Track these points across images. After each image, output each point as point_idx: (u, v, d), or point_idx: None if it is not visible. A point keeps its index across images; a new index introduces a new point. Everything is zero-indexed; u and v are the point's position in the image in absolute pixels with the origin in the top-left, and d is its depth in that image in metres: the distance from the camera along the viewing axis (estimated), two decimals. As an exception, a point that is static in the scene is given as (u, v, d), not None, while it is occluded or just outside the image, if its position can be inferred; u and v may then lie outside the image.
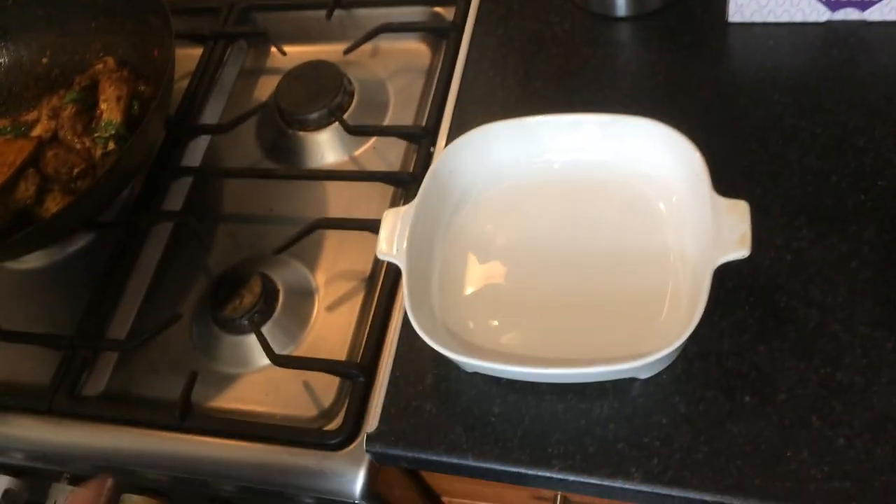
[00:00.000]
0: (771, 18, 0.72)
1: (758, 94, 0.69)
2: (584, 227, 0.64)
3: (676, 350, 0.55)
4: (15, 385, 0.75)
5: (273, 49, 0.91)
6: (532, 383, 0.60)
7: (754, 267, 0.60)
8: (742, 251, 0.54)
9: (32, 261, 0.83)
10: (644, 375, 0.58)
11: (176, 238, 0.82)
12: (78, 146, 0.80)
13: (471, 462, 0.58)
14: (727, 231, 0.55)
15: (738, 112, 0.68)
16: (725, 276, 0.60)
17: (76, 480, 0.71)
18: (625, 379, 0.58)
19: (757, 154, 0.66)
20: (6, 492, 0.75)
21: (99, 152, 0.80)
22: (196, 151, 0.87)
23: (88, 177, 0.79)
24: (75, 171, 0.78)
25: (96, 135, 0.81)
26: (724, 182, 0.59)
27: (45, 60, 0.90)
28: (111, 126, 0.80)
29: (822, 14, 0.70)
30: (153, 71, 0.84)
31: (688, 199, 0.61)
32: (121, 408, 0.71)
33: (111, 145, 0.80)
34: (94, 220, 0.80)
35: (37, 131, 0.82)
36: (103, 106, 0.82)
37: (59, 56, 0.90)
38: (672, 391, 0.57)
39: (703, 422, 0.56)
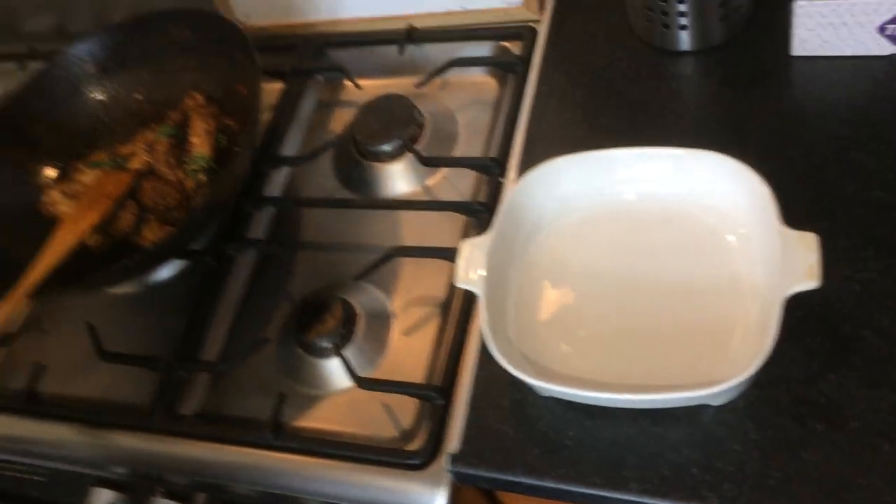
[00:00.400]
0: (835, 52, 0.73)
1: (822, 127, 0.71)
2: (654, 257, 0.67)
3: (748, 379, 0.57)
4: (117, 404, 0.81)
5: (348, 83, 0.96)
6: (606, 408, 0.63)
7: (823, 297, 0.62)
8: (811, 282, 0.56)
9: (129, 286, 0.89)
10: (716, 402, 0.61)
11: (261, 265, 0.87)
12: (172, 178, 0.86)
13: (548, 484, 0.61)
14: (796, 262, 0.57)
15: (802, 145, 0.70)
16: (795, 306, 0.61)
17: (173, 495, 0.76)
18: (697, 405, 0.61)
19: (822, 186, 0.68)
20: (108, 505, 0.80)
21: (191, 184, 0.85)
22: (277, 182, 0.92)
23: (182, 207, 0.84)
24: (171, 201, 0.83)
25: (188, 167, 0.86)
26: (791, 214, 0.61)
27: (139, 96, 0.96)
28: (202, 159, 0.86)
29: (885, 48, 0.72)
30: (239, 106, 0.90)
31: (756, 230, 0.63)
32: (215, 426, 0.76)
33: (202, 177, 0.85)
34: (187, 249, 0.85)
35: (133, 164, 0.88)
36: (194, 140, 0.87)
37: (153, 92, 0.96)
38: (744, 417, 0.60)
39: (775, 448, 0.58)
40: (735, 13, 0.77)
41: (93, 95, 0.96)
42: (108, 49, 0.95)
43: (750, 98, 0.75)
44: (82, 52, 0.95)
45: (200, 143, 0.87)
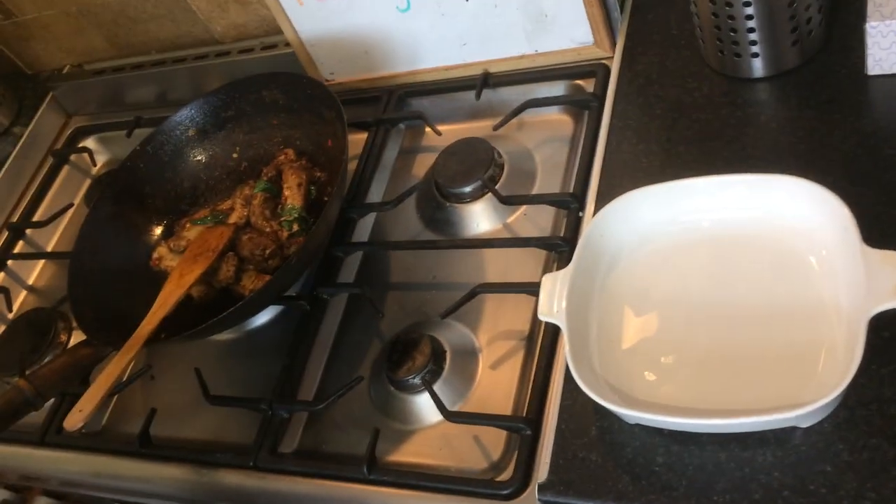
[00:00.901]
0: (912, 69, 0.73)
1: (903, 144, 0.70)
2: (736, 282, 0.67)
3: (837, 399, 0.56)
4: (223, 444, 0.85)
5: (428, 129, 1.00)
6: (693, 433, 0.63)
7: (911, 315, 0.61)
8: (896, 301, 0.55)
9: (230, 332, 0.94)
10: (805, 424, 0.60)
11: (351, 306, 0.91)
12: (268, 230, 0.91)
13: (639, 510, 0.62)
14: (880, 282, 0.57)
15: (883, 163, 0.70)
16: (881, 326, 0.61)
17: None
18: (786, 428, 0.61)
19: (906, 204, 0.67)
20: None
21: (285, 234, 0.91)
22: (364, 227, 0.97)
23: (277, 256, 0.89)
24: (267, 252, 0.89)
25: (282, 219, 0.92)
26: (874, 233, 0.61)
27: (235, 155, 1.03)
28: (294, 210, 0.91)
29: (965, 61, 0.71)
30: (327, 159, 0.95)
31: (838, 251, 0.63)
32: (314, 462, 0.79)
33: (295, 227, 0.90)
34: (283, 294, 0.90)
35: (232, 218, 0.94)
36: (287, 193, 0.93)
37: (247, 150, 1.03)
38: (835, 439, 0.59)
39: (869, 469, 0.57)
40: (807, 37, 0.77)
41: (194, 157, 1.04)
42: (206, 114, 1.02)
43: (827, 120, 0.75)
44: (184, 117, 1.03)
45: (293, 196, 0.92)
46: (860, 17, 0.72)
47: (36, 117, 1.30)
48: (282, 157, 0.96)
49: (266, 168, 0.97)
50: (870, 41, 0.72)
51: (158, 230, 1.01)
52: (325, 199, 0.93)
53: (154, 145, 1.01)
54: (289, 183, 0.93)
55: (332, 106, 0.91)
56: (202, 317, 0.80)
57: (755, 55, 0.78)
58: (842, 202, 0.62)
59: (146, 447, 0.86)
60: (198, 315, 0.86)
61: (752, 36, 0.76)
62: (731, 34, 0.77)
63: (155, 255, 0.96)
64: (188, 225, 0.96)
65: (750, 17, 0.75)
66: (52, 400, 0.93)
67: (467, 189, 0.91)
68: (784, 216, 0.66)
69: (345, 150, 0.87)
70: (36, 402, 0.73)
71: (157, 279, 0.92)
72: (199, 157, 1.03)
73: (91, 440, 0.92)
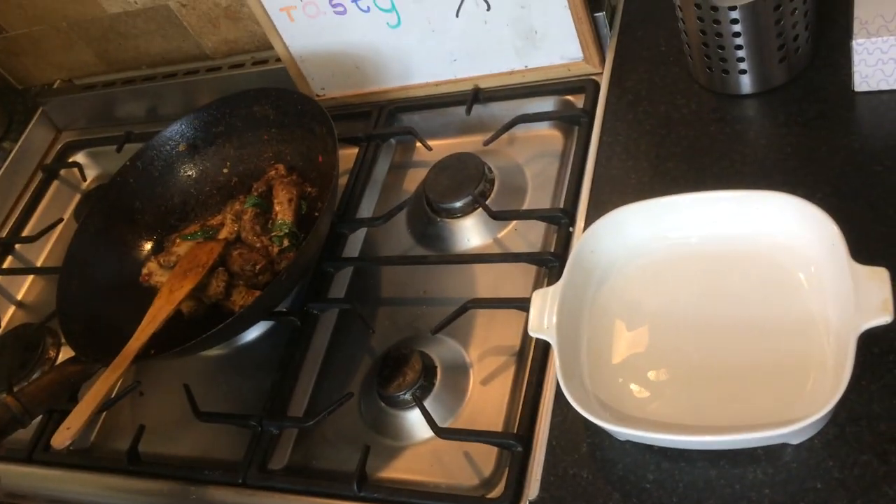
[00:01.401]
0: (898, 86, 0.74)
1: (891, 161, 0.70)
2: (724, 299, 0.68)
3: (826, 415, 0.57)
4: (212, 461, 0.85)
5: (419, 144, 1.00)
6: (684, 450, 0.63)
7: (900, 331, 0.61)
8: (885, 317, 0.56)
9: (220, 348, 0.94)
10: (795, 441, 0.60)
11: (342, 322, 0.91)
12: (258, 245, 0.91)
13: (629, 527, 0.62)
14: (868, 298, 0.57)
15: (871, 179, 0.70)
16: (871, 342, 0.61)
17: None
18: (776, 445, 0.61)
19: (894, 219, 0.67)
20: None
21: (276, 249, 0.90)
22: (355, 242, 0.97)
23: (268, 272, 0.89)
24: (257, 267, 0.88)
25: (272, 234, 0.91)
26: (862, 249, 0.61)
27: (225, 170, 1.03)
28: (285, 225, 0.91)
29: (951, 78, 0.72)
30: (318, 174, 0.95)
31: (827, 267, 0.63)
32: (304, 480, 0.79)
33: (286, 242, 0.90)
34: (273, 310, 0.89)
35: (222, 234, 0.94)
36: (277, 208, 0.92)
37: (237, 166, 1.03)
38: (825, 456, 0.59)
39: (859, 486, 0.57)
40: (794, 54, 0.78)
41: (184, 172, 1.03)
42: (196, 129, 1.02)
43: (815, 136, 0.76)
44: (174, 133, 1.02)
45: (283, 211, 0.92)
46: (847, 34, 0.73)
47: (26, 132, 1.30)
48: (272, 173, 0.96)
49: (256, 183, 0.97)
50: (856, 58, 0.73)
51: (148, 245, 1.01)
52: (316, 214, 0.93)
53: (144, 161, 1.01)
54: (279, 198, 0.93)
55: (322, 121, 0.91)
56: (192, 332, 0.79)
57: (743, 72, 0.79)
58: (829, 218, 0.62)
59: (135, 464, 0.86)
60: (187, 331, 0.86)
61: (740, 53, 0.77)
62: (719, 51, 0.78)
63: (145, 270, 0.95)
64: (178, 240, 0.96)
65: (737, 35, 0.75)
66: (40, 417, 0.93)
67: (458, 204, 0.91)
68: (772, 232, 0.67)
69: (335, 165, 0.87)
70: (23, 419, 0.72)
71: (147, 295, 0.91)
72: (189, 173, 1.03)
73: (79, 457, 0.91)
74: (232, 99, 1.01)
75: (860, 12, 0.72)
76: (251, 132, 1.01)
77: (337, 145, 0.88)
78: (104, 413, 0.94)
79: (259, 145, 1.01)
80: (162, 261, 0.94)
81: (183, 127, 1.02)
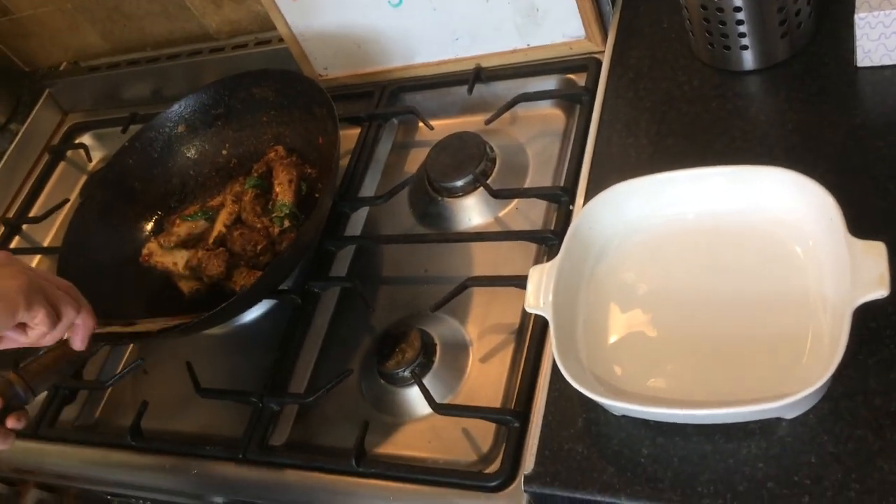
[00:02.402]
0: (901, 60, 0.73)
1: (892, 136, 0.70)
2: (722, 274, 0.67)
3: (820, 389, 0.56)
4: (213, 437, 0.85)
5: (420, 124, 1.00)
6: (679, 424, 0.63)
7: (897, 306, 0.61)
8: (881, 291, 0.55)
9: (222, 327, 0.94)
10: (790, 415, 0.60)
11: (343, 300, 0.91)
12: (258, 226, 0.91)
13: (623, 501, 0.61)
14: (865, 272, 0.56)
15: (873, 154, 0.70)
16: (868, 316, 0.61)
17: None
18: (771, 419, 0.60)
19: (894, 195, 0.67)
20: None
21: (276, 230, 0.91)
22: (357, 221, 0.97)
23: (269, 252, 0.90)
24: (258, 247, 0.89)
25: (273, 215, 0.92)
26: (862, 224, 0.61)
27: (224, 152, 1.03)
28: (285, 206, 0.91)
29: (954, 52, 0.71)
30: (318, 155, 0.95)
31: (824, 242, 0.62)
32: (304, 455, 0.80)
33: (286, 223, 0.91)
34: (275, 289, 0.90)
35: (222, 215, 0.94)
36: (277, 189, 0.93)
37: (237, 147, 1.03)
38: (819, 430, 0.59)
39: (853, 460, 0.57)
40: (796, 29, 0.77)
41: (184, 153, 1.04)
42: (196, 110, 1.02)
43: (817, 112, 0.75)
44: (173, 114, 1.03)
45: (283, 192, 0.92)
46: (849, 8, 0.72)
47: (32, 114, 1.31)
48: (272, 154, 0.97)
49: (256, 165, 0.97)
50: (859, 32, 0.72)
51: (149, 226, 1.01)
52: (316, 195, 0.93)
53: (143, 141, 1.01)
54: (279, 179, 0.93)
55: (323, 103, 0.91)
56: (193, 312, 0.80)
57: (744, 48, 0.78)
58: (827, 192, 0.61)
59: (137, 440, 0.87)
60: (189, 310, 0.87)
61: (741, 28, 0.76)
62: (721, 27, 0.77)
63: (145, 250, 0.96)
64: (178, 221, 0.96)
65: (738, 10, 0.75)
66: (45, 393, 0.94)
67: (459, 183, 0.91)
68: (770, 207, 0.66)
69: (336, 146, 0.87)
70: (26, 396, 0.73)
71: (147, 275, 0.92)
72: (188, 154, 1.04)
73: (84, 433, 0.93)
74: (231, 80, 1.01)
75: (863, -14, 0.72)
76: (251, 114, 1.01)
77: (338, 127, 0.89)
78: (109, 389, 0.95)
79: (259, 127, 1.01)
80: (162, 241, 0.95)
81: (182, 108, 1.02)
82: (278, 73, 0.99)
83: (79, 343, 0.71)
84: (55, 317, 0.68)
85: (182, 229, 0.94)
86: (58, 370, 0.77)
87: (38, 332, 0.68)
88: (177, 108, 1.02)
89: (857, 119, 0.72)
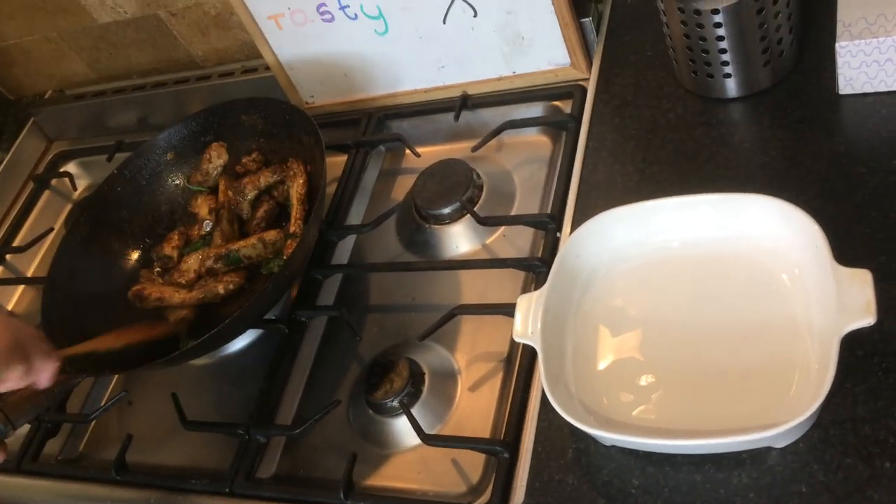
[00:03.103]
0: (882, 88, 0.73)
1: (875, 163, 0.70)
2: (709, 302, 0.67)
3: (810, 418, 0.56)
4: (199, 470, 0.84)
5: (407, 151, 1.00)
6: (669, 454, 0.63)
7: (884, 333, 0.61)
8: (867, 319, 0.55)
9: (208, 357, 0.94)
10: (780, 444, 0.60)
11: (330, 329, 0.90)
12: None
13: (615, 533, 0.61)
14: (851, 299, 0.57)
15: (856, 181, 0.70)
16: (855, 344, 0.61)
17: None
18: (761, 448, 0.60)
19: (878, 221, 0.67)
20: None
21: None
22: (344, 250, 0.96)
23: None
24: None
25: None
26: (847, 251, 0.61)
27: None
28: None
29: (934, 80, 0.72)
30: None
31: (810, 269, 0.63)
32: (291, 488, 0.79)
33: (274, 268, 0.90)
34: (261, 318, 0.89)
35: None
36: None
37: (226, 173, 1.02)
38: (810, 459, 0.59)
39: (843, 489, 0.56)
40: (778, 57, 0.78)
41: (172, 181, 1.03)
42: (184, 138, 1.02)
43: (800, 139, 0.75)
44: (161, 142, 1.02)
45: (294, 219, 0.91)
46: (830, 37, 0.73)
47: (17, 142, 1.30)
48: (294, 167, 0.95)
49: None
50: (840, 61, 0.73)
51: (135, 255, 1.00)
52: (294, 234, 0.91)
53: (131, 169, 1.01)
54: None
55: (310, 131, 0.91)
56: (178, 341, 0.79)
57: (727, 76, 0.79)
58: (812, 220, 0.62)
59: (122, 474, 0.85)
60: (175, 339, 0.86)
61: (724, 57, 0.77)
62: (704, 55, 0.78)
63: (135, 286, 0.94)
64: (185, 258, 0.95)
65: (721, 38, 0.75)
66: (28, 427, 0.93)
67: (446, 211, 0.91)
68: (756, 235, 0.67)
69: (323, 175, 0.87)
70: (6, 429, 0.72)
71: (133, 305, 0.91)
72: (177, 182, 1.03)
73: (67, 467, 0.91)
74: (220, 108, 1.01)
75: (843, 15, 0.72)
76: (239, 141, 1.01)
77: (324, 155, 0.88)
78: (93, 423, 0.94)
79: (248, 155, 1.00)
80: (178, 279, 0.93)
81: (171, 136, 1.02)
82: (266, 101, 0.99)
83: (44, 382, 0.72)
84: (29, 370, 0.69)
85: (192, 264, 0.93)
86: (38, 403, 0.76)
87: (9, 385, 0.69)
88: (165, 136, 1.02)
89: (840, 146, 0.73)
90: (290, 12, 0.99)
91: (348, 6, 0.96)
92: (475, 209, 0.90)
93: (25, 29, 1.23)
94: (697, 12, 0.74)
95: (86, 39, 1.22)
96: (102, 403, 0.93)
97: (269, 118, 0.98)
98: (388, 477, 0.77)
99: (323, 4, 0.97)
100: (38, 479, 0.90)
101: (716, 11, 0.73)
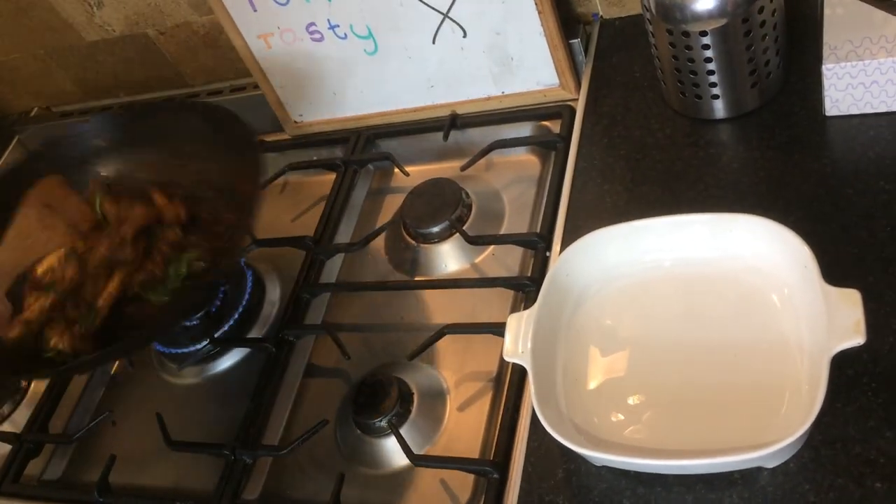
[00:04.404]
0: (868, 110, 0.74)
1: (862, 184, 0.71)
2: (699, 322, 0.67)
3: (800, 438, 0.56)
4: (184, 491, 0.83)
5: (396, 170, 1.00)
6: (660, 475, 0.62)
7: (874, 353, 0.61)
8: (857, 339, 0.56)
9: (193, 376, 0.93)
10: (771, 465, 0.60)
11: (318, 349, 0.90)
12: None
13: (606, 554, 0.61)
14: (841, 319, 0.57)
15: (843, 202, 0.71)
16: (845, 364, 0.61)
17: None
18: (752, 469, 0.60)
19: (866, 241, 0.67)
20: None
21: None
22: (332, 268, 0.96)
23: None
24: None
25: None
26: (835, 271, 0.61)
27: (142, 176, 0.94)
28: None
29: (919, 102, 0.72)
30: (238, 201, 0.86)
31: (799, 289, 0.63)
32: (277, 510, 0.78)
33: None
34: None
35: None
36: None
37: (159, 174, 0.94)
38: (800, 480, 0.58)
39: (835, 509, 0.56)
40: (766, 79, 0.79)
41: (98, 170, 0.96)
42: (121, 127, 0.96)
43: (787, 160, 0.76)
44: (96, 125, 0.96)
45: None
46: (817, 59, 0.73)
47: (1, 160, 1.29)
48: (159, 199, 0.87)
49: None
50: (826, 83, 0.74)
51: None
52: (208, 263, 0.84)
53: (60, 148, 0.94)
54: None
55: (253, 151, 0.86)
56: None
57: (715, 97, 0.79)
58: (801, 240, 0.62)
59: (105, 495, 0.84)
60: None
61: (712, 78, 0.78)
62: (692, 76, 0.79)
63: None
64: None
65: (709, 60, 0.76)
66: (9, 447, 0.91)
67: (435, 229, 0.91)
68: (745, 255, 0.67)
69: (257, 198, 0.83)
70: None
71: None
72: (103, 172, 0.96)
73: (49, 489, 0.90)
74: (164, 105, 0.96)
75: (829, 38, 0.73)
76: (178, 143, 0.93)
77: (263, 178, 0.84)
78: (74, 443, 0.93)
79: (184, 158, 0.93)
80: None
81: (106, 121, 0.96)
82: (215, 108, 0.93)
83: None
84: None
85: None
86: None
87: None
88: (99, 120, 0.96)
89: (827, 167, 0.74)
90: (279, 31, 0.99)
91: (338, 26, 0.96)
92: (464, 228, 0.90)
93: (12, 47, 1.23)
94: (686, 34, 0.75)
95: (73, 57, 1.22)
96: (86, 424, 0.91)
97: (213, 125, 0.90)
98: (376, 498, 0.76)
99: (312, 24, 0.97)
100: (19, 500, 0.89)
101: (704, 33, 0.74)
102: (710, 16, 0.68)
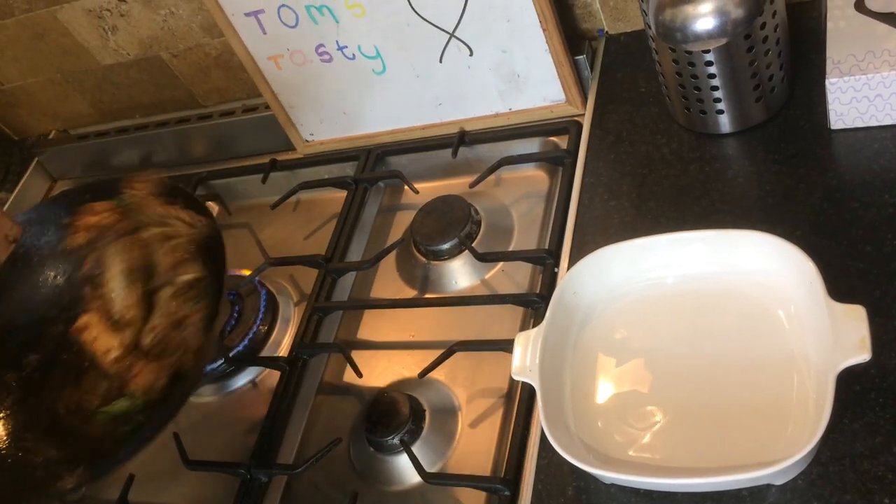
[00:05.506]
0: (873, 123, 0.74)
1: (868, 197, 0.71)
2: (706, 338, 0.68)
3: (808, 455, 0.56)
4: (201, 509, 0.85)
5: (406, 187, 1.01)
6: (669, 492, 0.63)
7: (881, 368, 0.61)
8: (863, 355, 0.56)
9: (209, 395, 0.94)
10: (779, 481, 0.60)
11: (331, 367, 0.91)
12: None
13: (615, 572, 0.61)
14: (846, 336, 0.57)
15: (849, 216, 0.71)
16: (852, 380, 0.61)
17: None
18: (760, 486, 0.60)
19: (872, 256, 0.67)
20: None
21: None
22: (345, 286, 0.97)
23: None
24: None
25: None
26: (842, 286, 0.61)
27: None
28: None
29: (924, 114, 0.72)
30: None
31: (805, 305, 0.63)
32: (292, 528, 0.79)
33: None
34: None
35: None
36: None
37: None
38: (809, 496, 0.59)
39: (843, 526, 0.56)
40: (770, 94, 0.79)
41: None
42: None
43: (793, 174, 0.76)
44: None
45: None
46: (821, 73, 0.74)
47: (21, 182, 1.31)
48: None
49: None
50: (830, 97, 0.74)
51: None
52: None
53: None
54: None
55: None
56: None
57: (720, 112, 0.80)
58: (806, 256, 0.62)
59: (124, 514, 0.86)
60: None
61: (716, 94, 0.78)
62: (696, 92, 0.79)
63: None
64: None
65: (713, 76, 0.76)
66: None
67: (445, 246, 0.92)
68: (752, 271, 0.67)
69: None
70: None
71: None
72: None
73: (69, 508, 0.91)
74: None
75: (832, 52, 0.73)
76: None
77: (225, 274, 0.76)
78: (94, 463, 0.94)
79: None
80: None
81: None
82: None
83: None
84: None
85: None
86: None
87: None
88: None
89: (833, 181, 0.74)
90: (289, 53, 1.00)
91: (346, 47, 0.98)
92: (473, 245, 0.90)
93: (30, 71, 1.25)
94: (689, 51, 0.75)
95: (89, 81, 1.24)
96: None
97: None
98: (389, 515, 0.77)
99: (321, 45, 0.98)
100: (41, 520, 0.91)
101: (706, 51, 0.74)
102: (711, 36, 0.68)
